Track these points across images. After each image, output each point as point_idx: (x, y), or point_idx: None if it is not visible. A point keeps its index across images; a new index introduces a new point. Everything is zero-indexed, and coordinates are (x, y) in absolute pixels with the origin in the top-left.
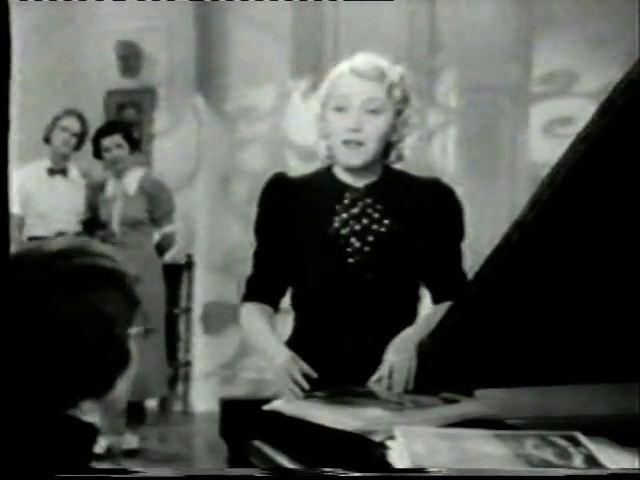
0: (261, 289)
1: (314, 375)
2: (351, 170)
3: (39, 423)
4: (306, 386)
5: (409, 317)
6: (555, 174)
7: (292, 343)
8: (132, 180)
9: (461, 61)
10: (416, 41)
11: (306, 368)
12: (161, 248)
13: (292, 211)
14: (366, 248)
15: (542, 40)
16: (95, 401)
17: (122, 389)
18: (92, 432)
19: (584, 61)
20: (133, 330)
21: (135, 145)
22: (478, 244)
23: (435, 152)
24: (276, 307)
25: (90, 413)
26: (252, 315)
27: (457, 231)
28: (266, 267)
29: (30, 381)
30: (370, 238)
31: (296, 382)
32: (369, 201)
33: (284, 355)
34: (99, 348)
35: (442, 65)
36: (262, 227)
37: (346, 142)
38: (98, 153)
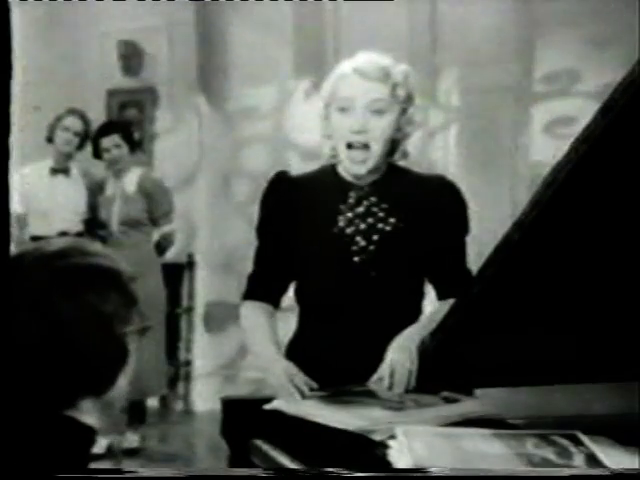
0: (262, 287)
1: (314, 385)
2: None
3: (37, 423)
4: (307, 392)
5: (413, 315)
6: (556, 174)
7: (296, 340)
8: (132, 180)
9: (462, 61)
10: (417, 40)
11: (305, 378)
12: (160, 248)
13: (295, 209)
14: (371, 247)
15: (543, 40)
16: (94, 400)
17: (121, 387)
18: (90, 434)
19: (585, 61)
20: (130, 328)
21: (134, 145)
22: (479, 243)
23: (436, 151)
24: (277, 305)
25: (89, 414)
26: (253, 315)
27: (462, 227)
28: (268, 265)
29: (28, 381)
30: (375, 237)
31: (297, 388)
32: (374, 200)
33: (281, 364)
34: (97, 346)
35: (443, 64)
36: (264, 225)
37: (350, 145)
38: (97, 153)
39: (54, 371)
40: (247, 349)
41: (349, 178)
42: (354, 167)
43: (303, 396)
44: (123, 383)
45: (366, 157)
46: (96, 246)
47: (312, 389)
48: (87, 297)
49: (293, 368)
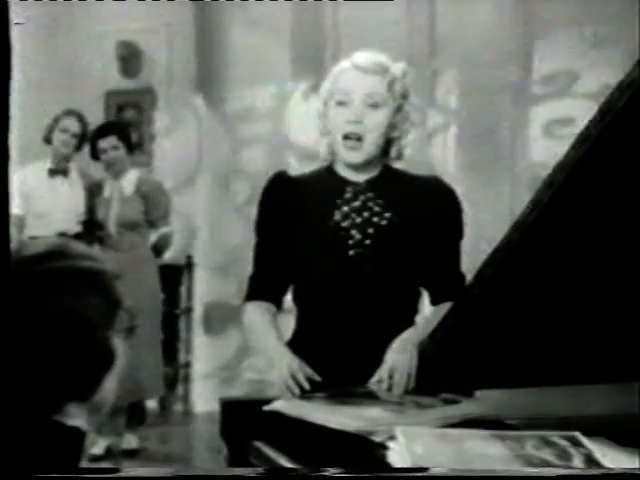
0: (263, 287)
1: (317, 378)
2: (352, 166)
3: (22, 428)
4: (307, 387)
5: (409, 313)
6: (555, 175)
7: (294, 340)
8: (130, 181)
9: (461, 62)
10: (416, 42)
11: (309, 372)
12: (158, 249)
13: (293, 208)
14: (367, 241)
15: (542, 40)
16: (80, 404)
17: (108, 390)
18: (78, 436)
19: (584, 62)
20: (114, 330)
21: (132, 146)
22: (478, 244)
23: (435, 153)
24: (279, 305)
25: (76, 417)
26: (255, 315)
27: (456, 230)
28: (267, 265)
29: (11, 386)
30: (371, 230)
31: (298, 383)
32: (370, 195)
33: (287, 358)
34: (80, 351)
35: (442, 66)
36: (263, 225)
37: (346, 136)
38: (95, 154)
39: (38, 376)
40: (250, 348)
41: (346, 175)
42: (350, 157)
43: (303, 391)
44: (110, 385)
45: (360, 146)
46: (79, 247)
47: (312, 390)
48: (67, 301)
49: (297, 363)
